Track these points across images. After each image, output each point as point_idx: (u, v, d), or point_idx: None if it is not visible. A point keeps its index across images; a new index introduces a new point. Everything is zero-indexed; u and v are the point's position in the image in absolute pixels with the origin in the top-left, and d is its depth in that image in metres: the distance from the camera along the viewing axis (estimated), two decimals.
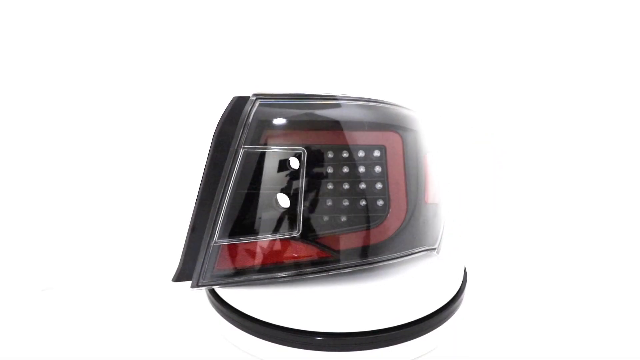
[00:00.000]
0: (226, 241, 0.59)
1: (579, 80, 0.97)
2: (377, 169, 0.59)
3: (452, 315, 0.60)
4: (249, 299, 0.58)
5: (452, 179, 0.97)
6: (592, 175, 0.96)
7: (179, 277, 0.62)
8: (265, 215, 0.59)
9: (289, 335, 0.55)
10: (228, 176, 0.58)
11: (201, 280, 0.59)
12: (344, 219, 0.59)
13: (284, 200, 0.59)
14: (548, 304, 0.69)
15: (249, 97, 0.58)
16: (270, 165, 0.58)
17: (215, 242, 0.59)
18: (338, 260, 0.59)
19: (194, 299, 0.68)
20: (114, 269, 0.77)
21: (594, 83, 0.97)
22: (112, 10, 0.86)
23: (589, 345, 0.62)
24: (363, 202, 0.59)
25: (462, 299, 0.62)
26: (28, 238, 0.80)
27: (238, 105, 0.59)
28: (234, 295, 0.59)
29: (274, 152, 0.58)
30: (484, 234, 0.86)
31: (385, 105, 0.62)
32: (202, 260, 0.59)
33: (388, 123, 0.60)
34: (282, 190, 0.58)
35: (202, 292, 0.65)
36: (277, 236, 0.58)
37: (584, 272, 0.77)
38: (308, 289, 0.59)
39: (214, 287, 0.60)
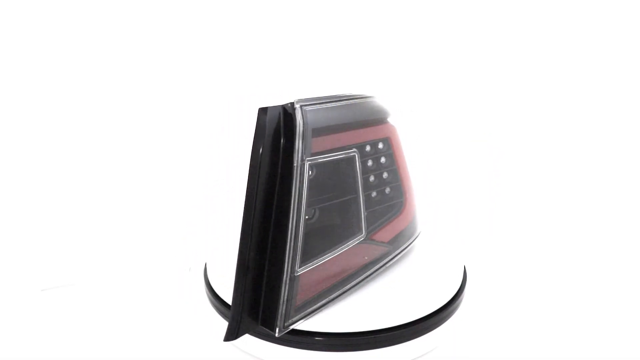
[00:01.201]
0: (307, 267, 0.53)
1: (577, 79, 0.97)
2: (390, 158, 0.63)
3: (452, 315, 0.60)
4: None
5: (450, 179, 0.97)
6: (591, 174, 0.96)
7: (238, 332, 0.52)
8: (337, 226, 0.57)
9: (289, 335, 0.55)
10: (298, 195, 0.52)
11: (287, 320, 0.53)
12: (385, 210, 0.61)
13: (348, 206, 0.57)
14: (548, 304, 0.69)
15: (279, 106, 0.52)
16: (333, 173, 0.55)
17: (297, 272, 0.52)
18: (390, 252, 0.61)
19: (194, 298, 0.68)
20: (114, 269, 0.77)
21: (593, 82, 0.97)
22: (114, 11, 0.86)
23: (589, 344, 0.62)
24: (394, 191, 0.62)
25: (462, 299, 0.62)
26: (28, 238, 0.80)
27: (274, 115, 0.52)
28: None
29: (334, 159, 0.55)
30: (483, 234, 0.86)
31: (378, 99, 0.64)
32: (282, 298, 0.52)
33: (388, 116, 0.64)
34: (346, 195, 0.57)
35: (202, 292, 0.65)
36: (350, 244, 0.57)
37: (583, 271, 0.77)
38: None
39: (298, 323, 0.54)
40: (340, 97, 0.58)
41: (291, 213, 0.51)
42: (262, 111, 0.51)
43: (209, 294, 0.62)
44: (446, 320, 0.59)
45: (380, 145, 0.61)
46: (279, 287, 0.52)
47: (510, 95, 0.99)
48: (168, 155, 0.92)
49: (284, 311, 0.52)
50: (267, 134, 0.51)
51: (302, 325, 0.55)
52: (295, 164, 0.51)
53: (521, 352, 0.61)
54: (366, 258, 0.59)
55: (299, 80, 0.93)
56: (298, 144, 0.51)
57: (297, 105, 0.52)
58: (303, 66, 0.94)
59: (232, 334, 0.52)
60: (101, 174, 0.87)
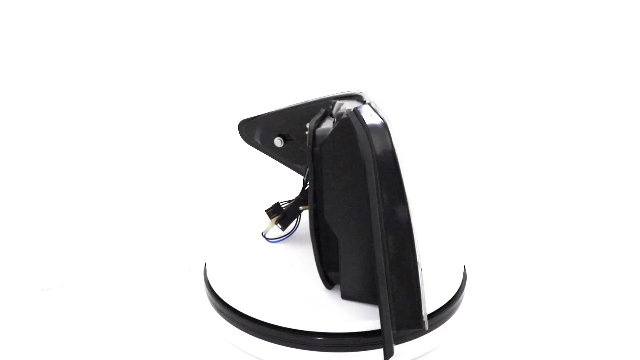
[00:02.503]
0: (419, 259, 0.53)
1: (574, 75, 0.97)
2: None
3: (452, 315, 0.60)
4: (249, 299, 0.58)
5: (450, 179, 0.97)
6: (592, 172, 0.96)
7: (393, 347, 0.52)
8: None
9: (289, 335, 0.55)
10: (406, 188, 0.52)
11: (425, 310, 0.52)
12: None
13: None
14: (548, 303, 0.69)
15: (350, 109, 0.51)
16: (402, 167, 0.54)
17: (422, 268, 0.53)
18: None
19: (194, 299, 0.68)
20: (114, 269, 0.77)
21: (590, 79, 0.97)
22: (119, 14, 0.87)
23: (589, 343, 0.62)
24: None
25: (462, 299, 0.62)
26: (28, 238, 0.80)
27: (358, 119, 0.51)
28: (234, 295, 0.59)
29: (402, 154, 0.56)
30: (483, 234, 0.86)
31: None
32: (422, 290, 0.51)
33: None
34: None
35: (202, 292, 0.65)
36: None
37: (584, 270, 0.77)
38: (308, 289, 0.59)
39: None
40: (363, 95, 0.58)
41: (408, 206, 0.51)
42: (354, 114, 0.50)
43: (209, 294, 0.62)
44: (446, 320, 0.59)
45: None
46: (416, 282, 0.51)
47: (510, 93, 0.99)
48: (168, 155, 0.92)
49: (425, 303, 0.52)
50: (369, 135, 0.50)
51: (302, 325, 0.55)
52: (399, 159, 0.51)
53: (521, 352, 0.61)
54: None
55: (297, 80, 0.93)
56: (393, 140, 0.51)
57: (374, 103, 0.51)
58: (300, 66, 0.95)
59: (390, 353, 0.51)
60: (101, 174, 0.88)
